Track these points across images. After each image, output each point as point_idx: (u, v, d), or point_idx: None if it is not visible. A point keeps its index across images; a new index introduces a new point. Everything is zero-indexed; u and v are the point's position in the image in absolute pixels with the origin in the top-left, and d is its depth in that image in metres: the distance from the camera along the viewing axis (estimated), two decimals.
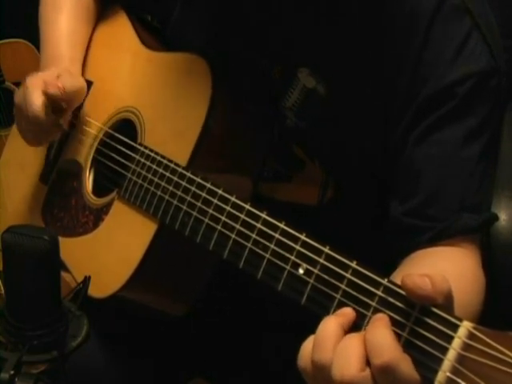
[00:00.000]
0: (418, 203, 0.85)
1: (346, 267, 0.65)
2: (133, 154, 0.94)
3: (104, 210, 0.97)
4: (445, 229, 0.83)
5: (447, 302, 0.60)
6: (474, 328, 0.56)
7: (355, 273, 0.64)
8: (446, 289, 0.59)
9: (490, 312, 0.94)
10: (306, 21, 0.89)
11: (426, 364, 0.57)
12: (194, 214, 0.83)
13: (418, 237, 0.84)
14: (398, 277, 0.63)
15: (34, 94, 0.98)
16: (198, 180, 0.83)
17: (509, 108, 1.06)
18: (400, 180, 0.87)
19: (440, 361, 0.57)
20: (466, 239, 0.84)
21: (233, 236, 0.77)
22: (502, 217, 1.03)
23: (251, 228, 0.75)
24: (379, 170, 0.89)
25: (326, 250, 0.67)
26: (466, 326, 0.56)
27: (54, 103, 1.00)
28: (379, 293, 0.62)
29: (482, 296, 0.81)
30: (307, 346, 0.61)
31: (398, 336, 0.59)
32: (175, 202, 0.85)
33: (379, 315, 0.60)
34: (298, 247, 0.70)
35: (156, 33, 1.06)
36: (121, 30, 1.08)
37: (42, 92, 0.98)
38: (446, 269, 0.60)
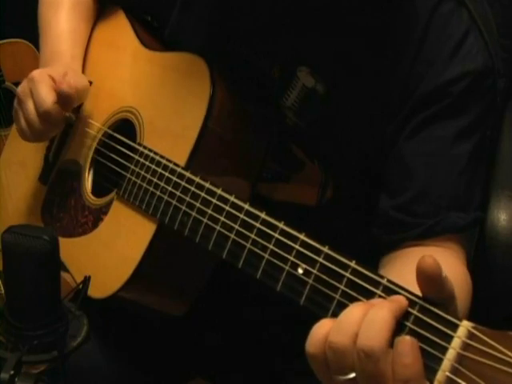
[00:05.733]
0: (406, 199, 0.85)
1: (345, 267, 0.65)
2: (132, 154, 0.94)
3: (103, 210, 0.97)
4: (432, 226, 0.83)
5: (450, 300, 0.60)
6: (474, 328, 0.56)
7: (354, 272, 0.64)
8: (451, 287, 0.60)
9: (490, 312, 0.94)
10: (305, 20, 0.89)
11: (426, 363, 0.57)
12: (193, 214, 0.82)
13: (404, 232, 0.85)
14: (387, 275, 0.63)
15: (43, 90, 0.97)
16: (197, 180, 0.83)
17: (509, 107, 1.07)
18: (390, 174, 0.87)
19: (439, 360, 0.57)
20: (452, 238, 0.84)
21: (232, 236, 0.77)
22: (502, 217, 1.03)
23: (250, 228, 0.75)
24: (377, 167, 0.89)
25: (325, 249, 0.67)
26: (465, 326, 0.56)
27: (61, 99, 1.00)
28: (379, 292, 0.62)
29: (470, 296, 0.81)
30: (319, 330, 0.60)
31: (398, 335, 0.59)
32: (174, 202, 0.85)
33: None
34: (297, 247, 0.69)
35: (155, 33, 1.06)
36: (120, 29, 1.08)
37: (52, 88, 0.98)
38: None
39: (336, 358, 0.59)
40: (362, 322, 0.58)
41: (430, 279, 0.58)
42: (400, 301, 0.60)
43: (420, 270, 0.58)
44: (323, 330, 0.60)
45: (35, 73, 0.99)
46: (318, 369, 0.61)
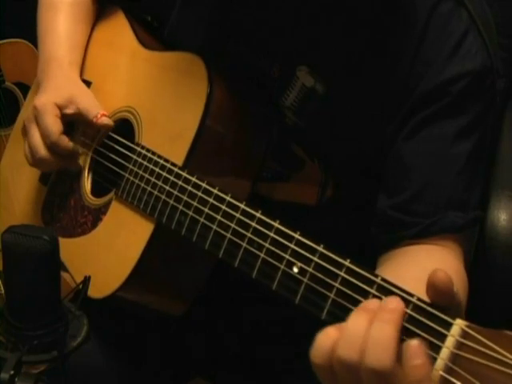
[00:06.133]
0: (405, 199, 0.85)
1: (339, 266, 0.65)
2: (130, 154, 0.94)
3: (102, 210, 0.97)
4: (430, 226, 0.83)
5: (456, 308, 0.60)
6: (468, 326, 0.56)
7: (349, 271, 0.64)
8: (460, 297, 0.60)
9: (490, 312, 0.93)
10: (305, 20, 0.89)
11: None
12: (190, 213, 0.82)
13: (402, 231, 0.84)
14: (384, 274, 0.63)
15: (49, 121, 0.97)
16: (194, 179, 0.83)
17: (509, 107, 1.07)
18: (389, 174, 0.87)
19: (433, 359, 0.56)
20: (450, 237, 0.84)
21: (228, 235, 0.77)
22: (502, 217, 1.03)
23: (246, 227, 0.75)
24: (377, 167, 0.89)
25: (320, 248, 0.67)
26: (459, 324, 0.56)
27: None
28: (373, 291, 0.62)
29: (466, 295, 0.80)
30: (325, 341, 0.59)
31: None
32: (171, 202, 0.85)
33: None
34: (292, 246, 0.69)
35: (154, 32, 1.06)
36: (119, 29, 1.08)
37: (58, 117, 0.98)
38: (432, 267, 0.60)
39: (344, 370, 0.58)
40: (369, 339, 0.57)
41: (442, 293, 0.58)
42: (400, 309, 0.59)
43: (431, 284, 0.58)
44: (329, 341, 0.59)
45: (39, 103, 0.98)
46: (324, 377, 0.60)
